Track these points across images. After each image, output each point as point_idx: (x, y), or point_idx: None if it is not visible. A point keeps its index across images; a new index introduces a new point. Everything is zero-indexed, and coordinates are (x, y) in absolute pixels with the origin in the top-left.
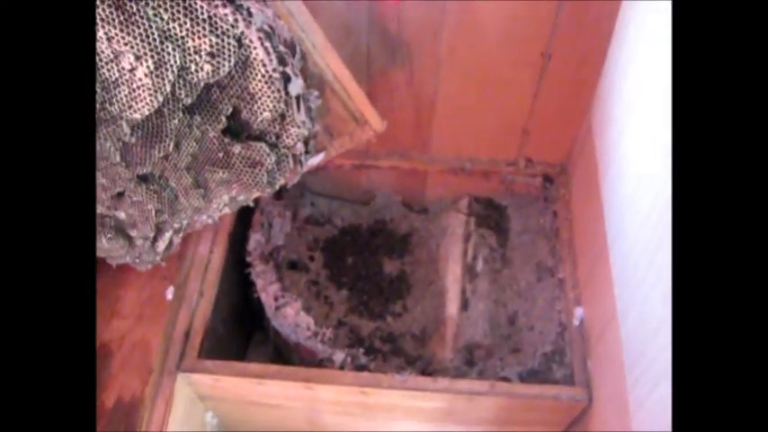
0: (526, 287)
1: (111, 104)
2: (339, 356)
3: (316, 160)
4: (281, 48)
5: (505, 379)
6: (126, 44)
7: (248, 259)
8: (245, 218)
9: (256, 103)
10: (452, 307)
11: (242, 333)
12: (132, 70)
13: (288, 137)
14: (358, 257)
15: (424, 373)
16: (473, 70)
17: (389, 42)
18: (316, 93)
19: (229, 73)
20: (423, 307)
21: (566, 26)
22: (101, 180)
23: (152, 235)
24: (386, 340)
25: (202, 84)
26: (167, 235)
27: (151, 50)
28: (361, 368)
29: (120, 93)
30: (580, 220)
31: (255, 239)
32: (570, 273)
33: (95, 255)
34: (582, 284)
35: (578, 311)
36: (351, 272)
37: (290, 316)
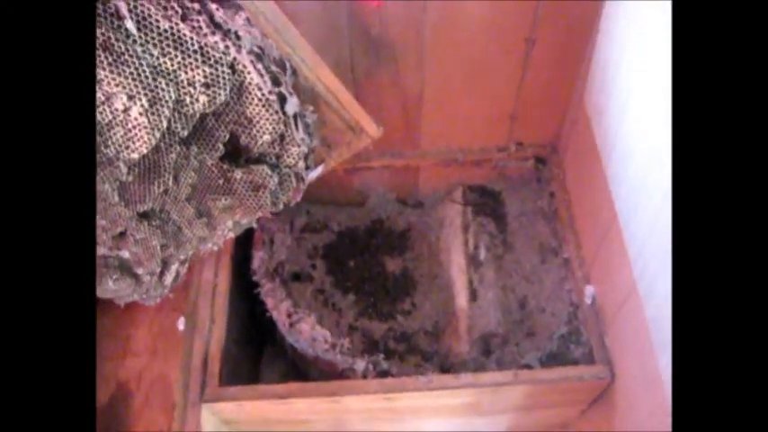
0: (531, 270)
1: (106, 147)
2: (360, 365)
3: (315, 173)
4: (273, 67)
5: (527, 366)
6: (117, 85)
7: (255, 278)
8: (244, 237)
9: (255, 126)
10: (462, 299)
11: (253, 349)
12: (126, 111)
13: (289, 156)
14: (359, 260)
15: (442, 367)
16: (458, 62)
17: (373, 44)
18: (311, 108)
19: (225, 100)
20: (431, 302)
21: (548, 9)
22: (101, 222)
23: (159, 270)
24: (400, 340)
25: (198, 115)
26: (174, 267)
27: (144, 88)
28: (383, 373)
29: (115, 134)
30: (581, 199)
31: (259, 257)
32: (575, 252)
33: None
34: (588, 263)
35: (589, 290)
36: (354, 275)
37: (306, 331)
